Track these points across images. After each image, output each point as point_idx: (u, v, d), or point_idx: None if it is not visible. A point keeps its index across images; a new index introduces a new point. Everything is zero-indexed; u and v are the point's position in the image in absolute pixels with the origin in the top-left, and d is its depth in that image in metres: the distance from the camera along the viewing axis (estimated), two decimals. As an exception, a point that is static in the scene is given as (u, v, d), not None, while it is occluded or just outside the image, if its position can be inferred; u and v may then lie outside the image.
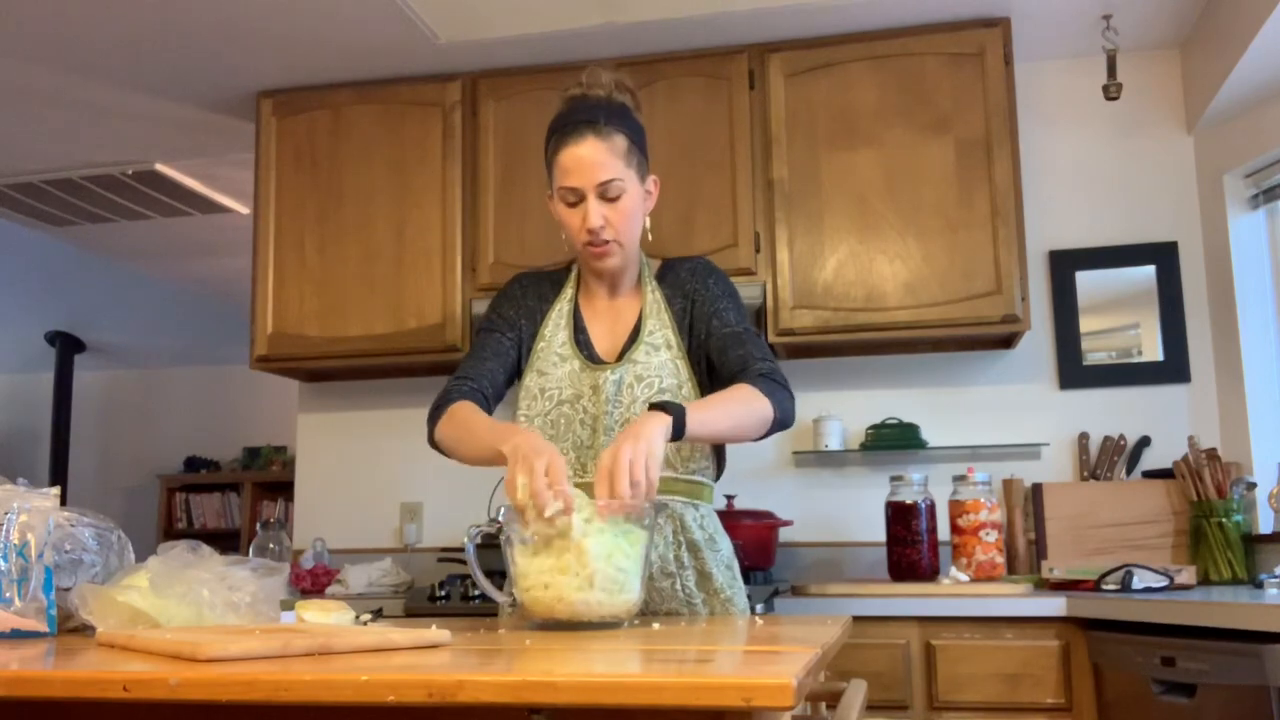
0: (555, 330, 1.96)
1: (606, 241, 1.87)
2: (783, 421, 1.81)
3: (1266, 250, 3.22)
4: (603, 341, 1.95)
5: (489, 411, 1.88)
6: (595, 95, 1.87)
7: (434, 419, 1.86)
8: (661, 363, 1.89)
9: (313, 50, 3.34)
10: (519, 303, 2.00)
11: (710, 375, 1.94)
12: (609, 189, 1.83)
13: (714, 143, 3.26)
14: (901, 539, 3.00)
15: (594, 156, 1.82)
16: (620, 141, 1.84)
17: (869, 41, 3.23)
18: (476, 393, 1.88)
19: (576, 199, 1.86)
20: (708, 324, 1.92)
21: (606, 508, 1.51)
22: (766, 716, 0.97)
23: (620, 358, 1.91)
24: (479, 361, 1.93)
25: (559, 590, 1.49)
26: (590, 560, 1.49)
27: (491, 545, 1.67)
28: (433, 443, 1.88)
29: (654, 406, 1.65)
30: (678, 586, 1.87)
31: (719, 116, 3.27)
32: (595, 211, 1.84)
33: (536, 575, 1.51)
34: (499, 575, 1.64)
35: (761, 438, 1.81)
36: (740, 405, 1.75)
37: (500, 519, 1.59)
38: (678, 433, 1.64)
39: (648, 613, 1.86)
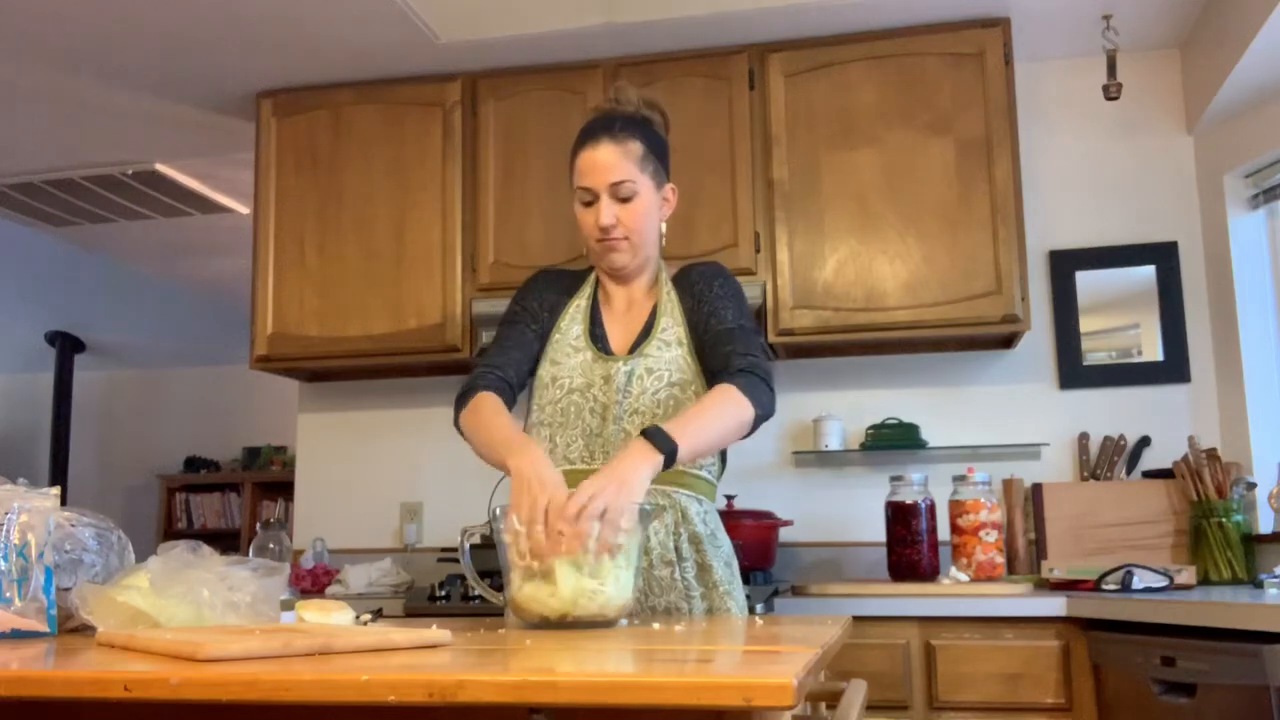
0: (571, 324, 2.01)
1: (617, 237, 1.94)
2: (763, 416, 1.83)
3: (1266, 250, 3.22)
4: (617, 337, 2.00)
5: (512, 399, 1.93)
6: (622, 112, 1.98)
7: (460, 405, 1.91)
8: (673, 358, 1.94)
9: (313, 50, 3.34)
10: (542, 296, 2.06)
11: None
12: (620, 189, 1.92)
13: (714, 143, 3.26)
14: (901, 539, 3.00)
15: (607, 159, 1.91)
16: (635, 147, 1.93)
17: (869, 41, 3.23)
18: (502, 382, 1.93)
19: (591, 199, 1.94)
20: (706, 323, 1.96)
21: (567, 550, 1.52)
22: (767, 716, 0.97)
23: (633, 351, 1.95)
24: (504, 351, 1.98)
25: (551, 590, 1.51)
26: (581, 560, 1.51)
27: (487, 546, 1.68)
28: (457, 427, 1.93)
29: (646, 434, 1.66)
30: (677, 576, 1.88)
31: (719, 116, 3.27)
32: (607, 210, 1.93)
33: (529, 575, 1.53)
34: (495, 575, 1.64)
35: (744, 436, 1.84)
36: (722, 416, 1.77)
37: (493, 515, 1.60)
38: (668, 463, 1.66)
39: (646, 605, 1.88)
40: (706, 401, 1.78)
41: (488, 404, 1.86)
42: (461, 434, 1.91)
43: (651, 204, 1.96)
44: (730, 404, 1.77)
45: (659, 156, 1.98)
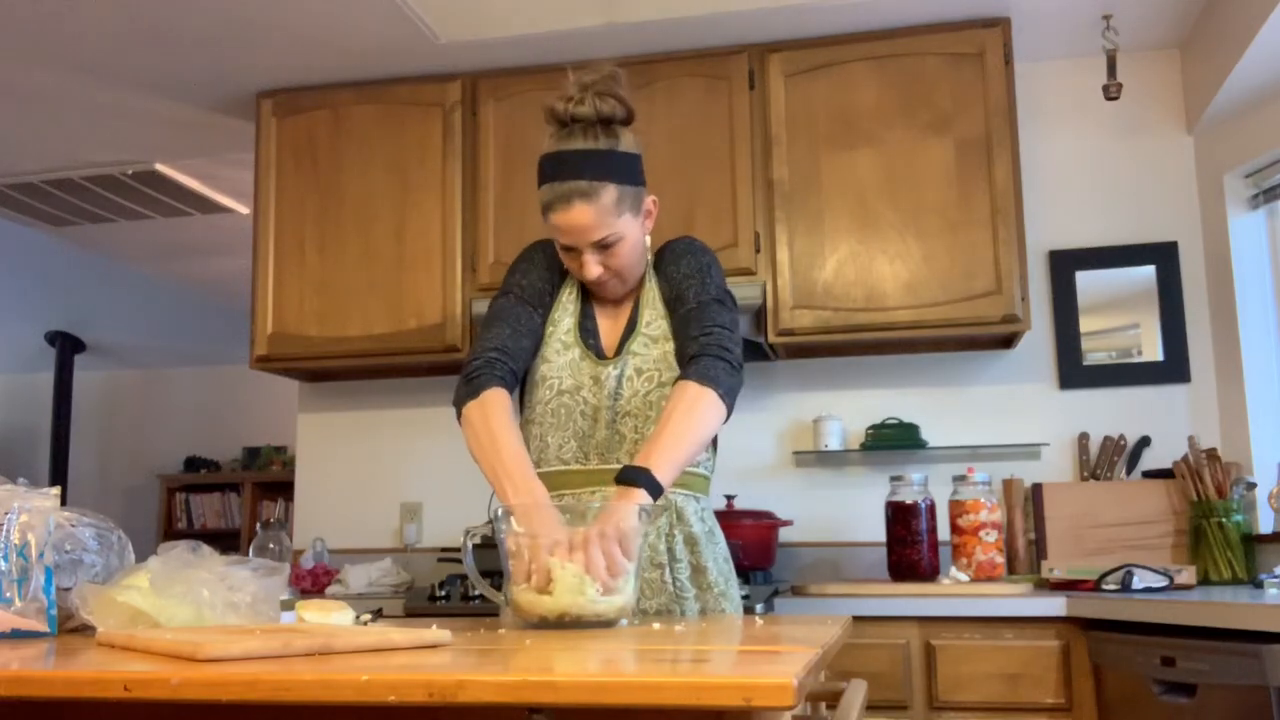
0: (563, 315, 1.96)
1: (605, 280, 1.90)
2: (731, 398, 1.79)
3: (1266, 250, 3.22)
4: (606, 330, 1.96)
5: (513, 390, 1.88)
6: (581, 115, 1.82)
7: (465, 395, 1.84)
8: (660, 355, 1.90)
9: (313, 50, 3.34)
10: (546, 275, 1.99)
11: None
12: (604, 242, 1.84)
13: (714, 143, 3.26)
14: (901, 539, 3.00)
15: (584, 221, 1.81)
16: (609, 194, 1.80)
17: (869, 41, 3.23)
18: (513, 376, 1.87)
19: (572, 247, 1.87)
20: (674, 311, 1.93)
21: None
22: (767, 716, 0.97)
23: (620, 350, 1.92)
24: (517, 336, 1.91)
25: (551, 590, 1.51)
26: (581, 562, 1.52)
27: (488, 545, 1.68)
28: (458, 415, 1.85)
29: (621, 479, 1.64)
30: (667, 578, 1.86)
31: (719, 116, 3.27)
32: (592, 265, 1.86)
33: (528, 577, 1.53)
34: (496, 575, 1.64)
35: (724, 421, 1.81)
36: (697, 423, 1.73)
37: (495, 516, 1.60)
38: (656, 494, 1.64)
39: (637, 609, 1.86)
40: (674, 415, 1.72)
41: (496, 406, 1.80)
42: (460, 419, 1.84)
43: (636, 235, 1.88)
44: (696, 407, 1.73)
45: (633, 179, 1.84)
